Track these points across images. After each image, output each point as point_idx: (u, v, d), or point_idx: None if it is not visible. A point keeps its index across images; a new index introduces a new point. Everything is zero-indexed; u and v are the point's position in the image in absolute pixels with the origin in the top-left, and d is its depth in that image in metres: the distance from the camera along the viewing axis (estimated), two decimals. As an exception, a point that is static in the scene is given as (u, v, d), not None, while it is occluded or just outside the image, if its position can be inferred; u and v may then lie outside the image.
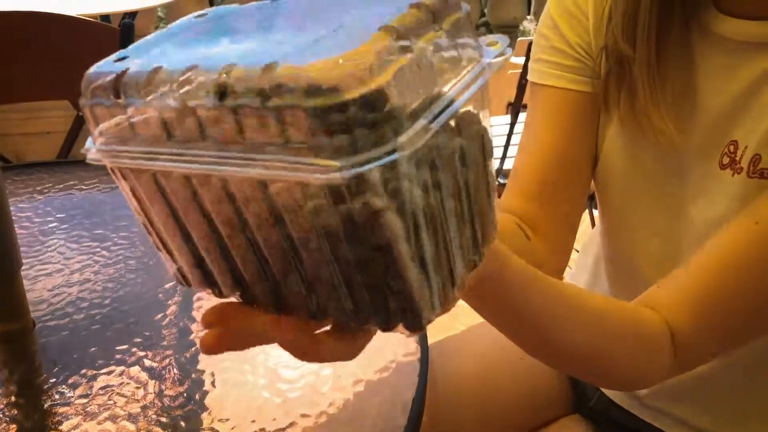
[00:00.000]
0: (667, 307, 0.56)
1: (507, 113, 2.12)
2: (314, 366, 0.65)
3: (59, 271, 0.80)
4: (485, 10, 3.16)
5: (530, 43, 0.76)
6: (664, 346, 0.55)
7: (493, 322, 0.50)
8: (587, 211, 1.87)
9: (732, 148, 0.62)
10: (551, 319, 0.50)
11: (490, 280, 0.42)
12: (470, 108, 0.34)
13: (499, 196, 0.59)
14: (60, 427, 0.57)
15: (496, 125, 2.25)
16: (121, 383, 0.62)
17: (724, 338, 0.58)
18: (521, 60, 1.97)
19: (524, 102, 1.96)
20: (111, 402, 0.60)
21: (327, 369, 0.64)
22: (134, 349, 0.67)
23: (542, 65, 0.69)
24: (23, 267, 0.69)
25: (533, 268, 0.47)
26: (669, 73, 0.63)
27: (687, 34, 0.63)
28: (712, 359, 0.61)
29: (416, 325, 0.32)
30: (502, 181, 1.84)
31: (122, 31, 1.26)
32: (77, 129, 2.17)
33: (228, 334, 0.36)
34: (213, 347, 0.36)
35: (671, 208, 0.68)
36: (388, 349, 0.67)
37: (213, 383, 0.63)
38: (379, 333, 0.36)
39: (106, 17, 2.29)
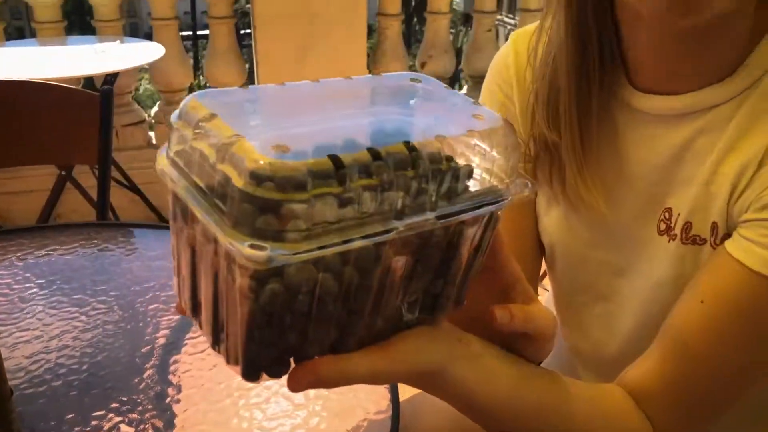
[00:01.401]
0: (639, 396, 0.58)
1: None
2: (286, 427, 0.66)
3: (38, 337, 0.82)
4: (461, 60, 3.25)
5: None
6: None
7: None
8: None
9: (667, 214, 0.65)
10: (503, 422, 0.50)
11: (434, 375, 0.44)
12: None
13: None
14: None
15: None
16: (97, 450, 0.63)
17: (699, 420, 0.60)
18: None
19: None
20: (86, 470, 0.61)
21: (300, 429, 0.66)
22: (111, 415, 0.68)
23: None
24: (1, 335, 0.71)
25: (488, 369, 0.47)
26: (595, 151, 0.67)
27: (608, 111, 0.67)
28: None
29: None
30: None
31: (102, 96, 1.30)
32: (60, 189, 2.19)
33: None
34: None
35: (612, 274, 0.71)
36: (360, 407, 0.69)
37: (188, 447, 0.64)
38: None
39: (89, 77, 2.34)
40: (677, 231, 0.64)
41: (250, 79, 2.91)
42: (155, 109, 2.80)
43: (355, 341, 0.41)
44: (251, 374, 0.38)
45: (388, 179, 0.35)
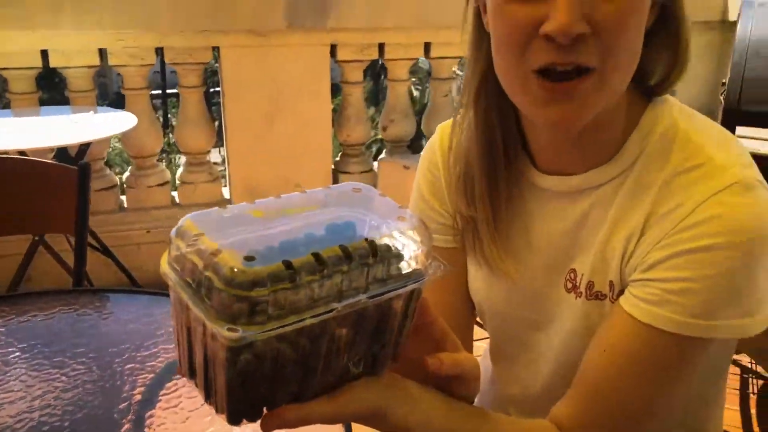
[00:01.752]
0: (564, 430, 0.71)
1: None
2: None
3: (21, 398, 0.89)
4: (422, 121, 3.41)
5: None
6: None
7: None
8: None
9: (572, 275, 0.77)
10: None
11: (376, 417, 0.57)
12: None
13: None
14: None
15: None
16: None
17: None
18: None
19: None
20: None
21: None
22: (91, 467, 0.76)
23: None
24: (-11, 396, 0.79)
25: (424, 409, 0.60)
26: (505, 224, 0.79)
27: (516, 190, 0.80)
28: None
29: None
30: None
31: (80, 171, 1.40)
32: (32, 253, 2.26)
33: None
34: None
35: (531, 328, 0.82)
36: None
37: (162, 492, 0.72)
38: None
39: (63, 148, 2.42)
40: (582, 289, 0.76)
41: (219, 139, 3.03)
42: (127, 174, 2.89)
43: (312, 392, 0.54)
44: (234, 420, 0.51)
45: (327, 273, 0.48)
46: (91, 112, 2.55)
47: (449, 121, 0.86)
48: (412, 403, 0.59)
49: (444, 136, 0.86)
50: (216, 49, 2.77)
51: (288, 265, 0.47)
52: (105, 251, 2.48)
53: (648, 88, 0.74)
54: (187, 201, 2.89)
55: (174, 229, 0.50)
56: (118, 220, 2.78)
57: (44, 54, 2.62)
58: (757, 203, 0.66)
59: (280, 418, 0.53)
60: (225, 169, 2.98)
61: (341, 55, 2.91)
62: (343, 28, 2.80)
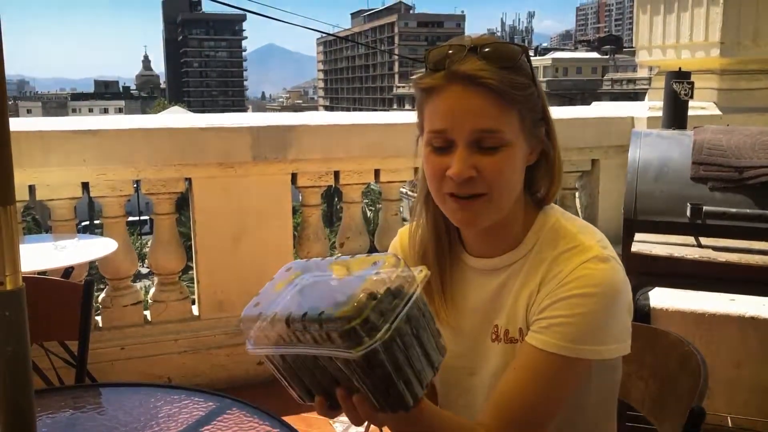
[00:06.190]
0: (487, 425, 1.00)
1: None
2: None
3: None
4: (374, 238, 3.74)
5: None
6: None
7: None
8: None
9: (496, 328, 1.09)
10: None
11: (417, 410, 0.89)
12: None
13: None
14: None
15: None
16: None
17: None
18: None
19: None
20: None
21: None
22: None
23: None
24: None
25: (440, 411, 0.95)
26: (449, 291, 1.13)
27: (456, 267, 1.14)
28: None
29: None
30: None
31: (85, 286, 1.65)
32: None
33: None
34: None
35: (469, 376, 1.13)
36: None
37: None
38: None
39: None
40: (501, 336, 1.08)
41: (189, 259, 3.27)
42: (103, 295, 3.10)
43: (421, 370, 0.88)
44: (387, 409, 0.88)
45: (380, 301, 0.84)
46: (76, 239, 2.80)
47: (405, 227, 1.23)
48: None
49: (402, 236, 1.23)
50: (188, 180, 3.09)
51: (371, 295, 0.82)
52: (80, 370, 2.63)
53: (539, 199, 1.11)
54: (158, 319, 3.10)
55: (242, 316, 0.86)
56: (94, 338, 2.94)
57: (31, 188, 2.89)
58: (610, 269, 1.02)
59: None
60: (195, 287, 3.21)
61: (301, 182, 3.26)
62: (303, 159, 3.18)
